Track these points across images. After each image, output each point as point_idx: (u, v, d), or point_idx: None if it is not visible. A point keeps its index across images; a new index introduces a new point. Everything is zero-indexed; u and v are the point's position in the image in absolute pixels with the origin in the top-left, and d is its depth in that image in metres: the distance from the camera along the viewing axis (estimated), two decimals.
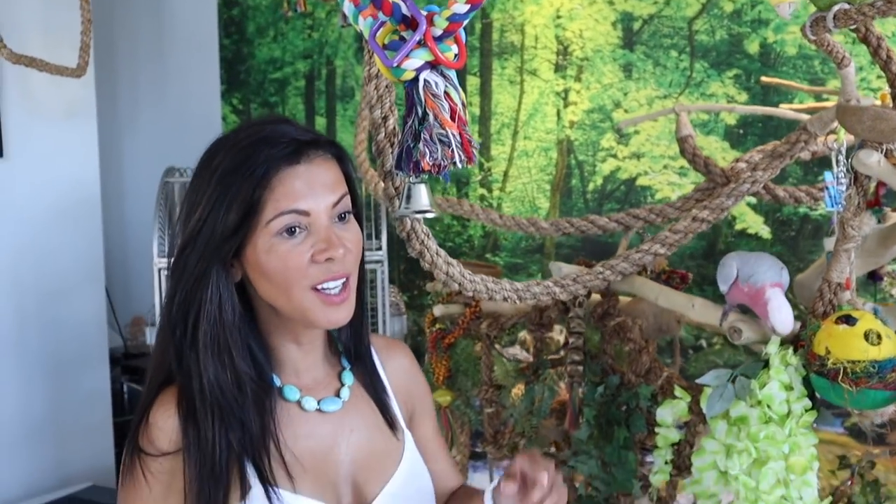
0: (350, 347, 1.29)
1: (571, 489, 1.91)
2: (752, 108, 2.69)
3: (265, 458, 1.16)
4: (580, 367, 1.85)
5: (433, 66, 1.09)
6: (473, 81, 3.39)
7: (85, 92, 3.18)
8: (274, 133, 1.15)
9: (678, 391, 1.64)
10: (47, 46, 2.88)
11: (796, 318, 1.53)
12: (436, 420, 1.45)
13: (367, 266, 1.38)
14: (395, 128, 1.39)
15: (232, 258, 1.15)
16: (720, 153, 3.03)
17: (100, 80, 3.35)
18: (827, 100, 2.43)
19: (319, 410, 1.23)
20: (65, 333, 3.16)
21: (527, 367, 2.06)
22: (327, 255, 1.14)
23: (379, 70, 1.24)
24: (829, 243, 1.55)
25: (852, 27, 1.42)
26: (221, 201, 1.12)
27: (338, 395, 1.26)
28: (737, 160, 1.91)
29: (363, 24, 1.10)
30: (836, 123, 1.61)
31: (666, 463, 1.68)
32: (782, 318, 1.50)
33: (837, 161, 1.52)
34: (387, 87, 1.38)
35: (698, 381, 1.53)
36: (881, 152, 1.43)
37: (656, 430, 1.67)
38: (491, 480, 1.93)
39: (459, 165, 1.11)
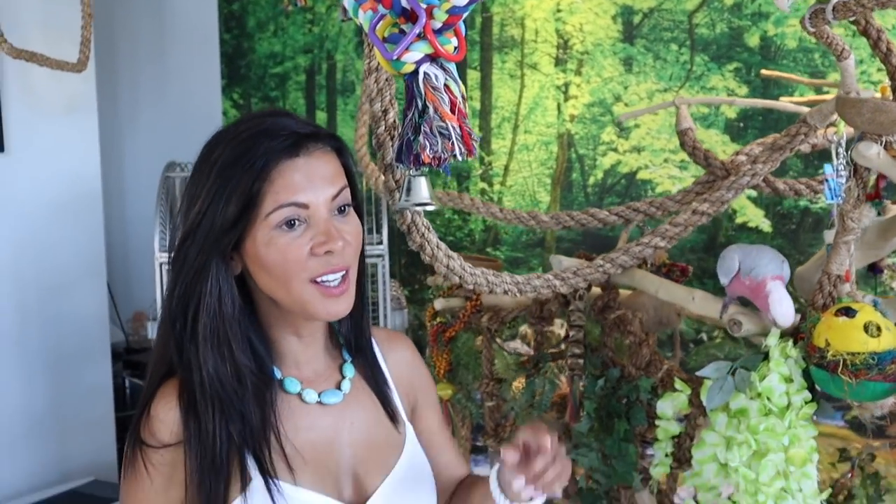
0: (351, 340, 1.30)
1: (572, 482, 1.91)
2: (753, 101, 2.69)
3: (266, 450, 1.16)
4: (581, 361, 1.85)
5: (433, 58, 1.09)
6: (474, 75, 3.39)
7: (86, 87, 3.18)
8: (274, 126, 1.15)
9: (678, 384, 1.64)
10: (48, 41, 2.88)
11: (796, 310, 1.53)
12: (440, 411, 1.44)
13: (368, 260, 1.38)
14: (395, 121, 1.39)
15: (232, 251, 1.16)
16: (720, 146, 3.03)
17: (100, 74, 3.35)
18: (827, 92, 2.43)
19: (320, 403, 1.23)
20: (66, 328, 3.16)
21: (527, 361, 2.06)
22: (326, 248, 1.14)
23: (379, 63, 1.24)
24: (829, 236, 1.55)
25: (852, 19, 1.42)
26: (221, 194, 1.12)
27: (339, 387, 1.26)
28: (737, 153, 1.91)
29: (363, 18, 1.10)
30: (835, 116, 1.60)
31: (666, 455, 1.68)
32: (784, 310, 1.50)
33: (837, 153, 1.52)
34: (387, 80, 1.38)
35: (698, 373, 1.53)
36: (881, 144, 1.43)
37: (657, 422, 1.68)
38: None
39: (460, 158, 1.11)
